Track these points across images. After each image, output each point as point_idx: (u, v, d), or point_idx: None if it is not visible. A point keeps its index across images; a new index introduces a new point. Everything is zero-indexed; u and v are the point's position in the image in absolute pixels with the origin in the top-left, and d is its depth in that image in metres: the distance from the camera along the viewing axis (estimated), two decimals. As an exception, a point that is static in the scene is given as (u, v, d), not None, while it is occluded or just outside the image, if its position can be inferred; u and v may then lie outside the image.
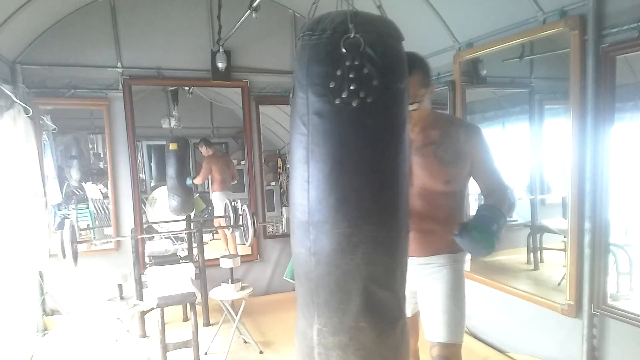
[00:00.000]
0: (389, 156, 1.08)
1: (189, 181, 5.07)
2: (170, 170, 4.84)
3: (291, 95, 1.10)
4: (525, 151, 3.58)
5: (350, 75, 0.99)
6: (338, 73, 0.99)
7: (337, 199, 1.04)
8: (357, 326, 1.09)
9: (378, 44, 1.02)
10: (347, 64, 0.99)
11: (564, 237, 2.56)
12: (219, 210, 5.05)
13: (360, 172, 1.05)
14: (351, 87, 0.99)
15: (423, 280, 1.76)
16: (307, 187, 1.06)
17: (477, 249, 1.58)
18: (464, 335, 1.76)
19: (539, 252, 3.43)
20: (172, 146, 4.81)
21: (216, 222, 5.00)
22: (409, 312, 1.86)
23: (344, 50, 0.99)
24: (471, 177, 1.78)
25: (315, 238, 1.07)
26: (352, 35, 0.99)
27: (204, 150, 5.13)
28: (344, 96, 1.00)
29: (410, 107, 1.57)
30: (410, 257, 1.72)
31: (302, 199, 1.07)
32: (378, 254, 1.08)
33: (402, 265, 1.16)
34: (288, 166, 5.60)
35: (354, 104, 1.00)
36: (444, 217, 1.72)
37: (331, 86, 1.00)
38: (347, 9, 1.02)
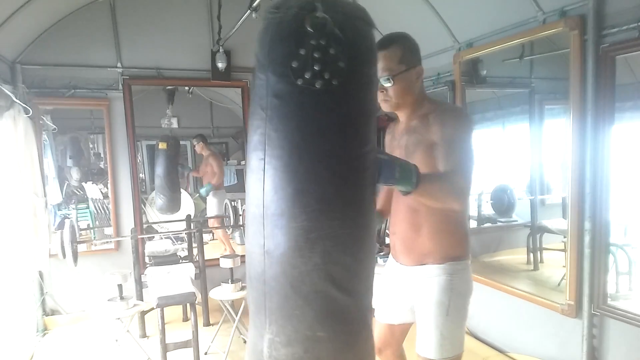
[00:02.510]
0: (355, 145, 0.97)
1: (203, 190, 5.00)
2: (159, 169, 4.78)
3: (251, 79, 1.02)
4: (525, 151, 3.59)
5: (315, 55, 0.90)
6: (301, 52, 0.91)
7: (295, 189, 0.92)
8: (313, 336, 0.96)
9: (346, 25, 0.94)
10: (312, 43, 0.90)
11: (564, 237, 2.56)
12: (211, 210, 5.03)
13: (322, 160, 0.94)
14: (315, 68, 0.90)
15: (417, 291, 1.65)
16: (262, 176, 0.94)
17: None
18: (458, 349, 1.60)
19: (538, 252, 3.43)
20: (162, 145, 4.76)
21: (210, 223, 4.97)
22: (396, 319, 1.80)
23: (309, 29, 0.91)
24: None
25: (269, 233, 0.94)
26: (319, 14, 0.91)
27: (198, 148, 5.08)
28: (306, 77, 0.91)
29: (385, 84, 1.49)
30: (400, 265, 1.69)
31: (257, 190, 0.95)
32: (340, 253, 0.96)
33: (367, 268, 1.03)
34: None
35: (318, 85, 0.91)
36: (431, 223, 1.58)
37: (293, 66, 0.91)
38: None
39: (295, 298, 0.95)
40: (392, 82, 1.50)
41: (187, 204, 5.26)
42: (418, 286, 1.64)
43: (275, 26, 0.95)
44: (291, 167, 0.93)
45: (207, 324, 3.72)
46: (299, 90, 0.92)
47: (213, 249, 4.98)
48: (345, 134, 0.96)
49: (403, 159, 1.28)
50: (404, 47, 1.52)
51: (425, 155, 1.51)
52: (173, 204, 4.86)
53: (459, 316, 1.59)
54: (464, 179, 1.43)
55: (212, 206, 5.01)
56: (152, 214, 5.05)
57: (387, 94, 1.54)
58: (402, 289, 1.74)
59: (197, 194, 5.29)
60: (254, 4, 3.05)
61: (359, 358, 1.03)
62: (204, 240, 3.74)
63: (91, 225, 4.54)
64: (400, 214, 1.65)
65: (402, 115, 1.65)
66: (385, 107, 1.58)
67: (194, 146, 5.13)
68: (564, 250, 2.54)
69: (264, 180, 0.94)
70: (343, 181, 0.96)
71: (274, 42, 0.94)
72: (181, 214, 4.80)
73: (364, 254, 1.01)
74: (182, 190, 5.10)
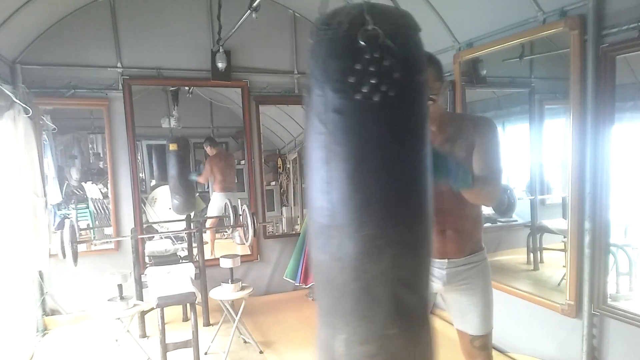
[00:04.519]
0: (414, 152, 1.02)
1: (192, 176, 5.10)
2: (172, 170, 4.85)
3: (306, 94, 1.04)
4: (525, 151, 3.59)
5: (370, 69, 0.93)
6: (357, 67, 0.93)
7: (362, 199, 0.97)
8: (386, 334, 1.03)
9: (397, 35, 0.95)
10: (367, 57, 0.93)
11: (564, 237, 2.56)
12: (211, 211, 5.06)
13: (385, 170, 0.98)
14: (372, 81, 0.93)
15: (462, 281, 1.80)
16: (328, 188, 0.99)
17: None
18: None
19: (538, 252, 3.43)
20: (172, 146, 4.83)
21: (209, 224, 4.99)
22: None
23: (362, 43, 0.92)
24: None
25: (339, 242, 1.00)
26: (370, 27, 0.93)
27: (208, 150, 5.14)
28: (364, 91, 0.93)
29: (428, 102, 1.60)
30: (448, 260, 1.77)
31: (323, 202, 1.00)
32: (405, 256, 1.02)
33: (427, 267, 1.11)
34: (288, 166, 5.61)
35: (376, 98, 0.94)
36: (473, 215, 1.78)
37: (351, 81, 0.94)
38: (361, 1, 0.96)
39: (367, 301, 1.01)
40: (434, 100, 1.62)
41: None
42: (469, 274, 1.81)
43: (328, 43, 0.97)
44: (356, 179, 0.97)
45: (207, 324, 3.72)
46: (358, 105, 0.95)
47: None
48: (405, 142, 1.00)
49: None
50: (435, 63, 1.66)
51: (467, 162, 1.68)
52: (189, 204, 4.92)
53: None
54: (501, 183, 1.73)
55: (214, 206, 5.05)
56: (152, 213, 5.06)
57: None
58: (440, 283, 1.82)
59: (197, 194, 5.31)
60: (254, 4, 3.05)
61: (425, 350, 1.12)
62: (204, 240, 3.73)
63: (91, 225, 4.54)
64: (450, 211, 1.73)
65: (433, 124, 1.71)
66: None
67: (205, 148, 5.19)
68: (564, 250, 2.54)
69: (330, 193, 0.98)
70: (405, 187, 1.01)
71: (330, 58, 0.97)
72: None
73: (425, 255, 1.09)
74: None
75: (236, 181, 5.27)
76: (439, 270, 1.78)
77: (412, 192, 1.03)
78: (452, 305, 1.88)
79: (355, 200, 0.97)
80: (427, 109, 1.07)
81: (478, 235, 1.82)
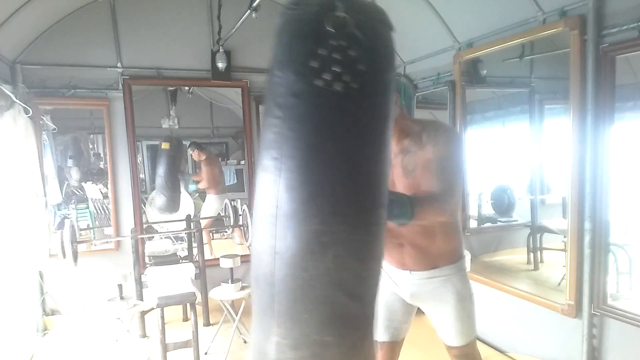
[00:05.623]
0: (371, 151, 0.96)
1: (192, 187, 5.06)
2: (160, 169, 4.80)
3: (268, 76, 0.99)
4: (526, 151, 3.59)
5: (335, 56, 0.88)
6: (321, 52, 0.88)
7: (309, 191, 0.90)
8: (321, 340, 0.95)
9: (367, 27, 0.91)
10: (332, 43, 0.88)
11: (564, 237, 2.56)
12: (206, 211, 5.06)
13: (337, 163, 0.92)
14: (334, 69, 0.88)
15: (430, 294, 1.76)
16: (276, 175, 0.92)
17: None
18: (476, 330, 1.84)
19: (539, 252, 3.43)
20: (165, 145, 4.79)
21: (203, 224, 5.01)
22: (389, 336, 1.85)
23: (329, 28, 0.88)
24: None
25: (281, 234, 0.92)
26: (339, 13, 0.89)
27: (195, 155, 5.10)
28: (325, 78, 0.88)
29: None
30: (412, 272, 1.72)
31: (270, 189, 0.93)
32: (351, 259, 0.94)
33: (374, 275, 1.02)
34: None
35: (337, 87, 0.89)
36: (437, 229, 1.67)
37: (312, 65, 0.88)
38: None
39: (305, 301, 0.93)
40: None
41: (187, 204, 5.26)
42: (438, 289, 1.74)
43: (295, 23, 0.93)
44: (306, 169, 0.91)
45: (207, 324, 3.72)
46: (317, 91, 0.90)
47: (212, 249, 4.98)
48: (362, 139, 0.94)
49: (396, 191, 1.41)
50: None
51: (424, 173, 1.57)
52: (173, 204, 4.88)
53: (473, 304, 1.81)
54: (456, 197, 1.55)
55: (210, 208, 5.06)
56: (152, 213, 5.05)
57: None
58: (412, 296, 1.79)
59: (197, 194, 5.30)
60: (254, 4, 3.05)
61: None
62: (203, 241, 3.73)
63: (91, 225, 4.53)
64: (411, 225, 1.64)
65: (393, 135, 1.58)
66: None
67: (191, 154, 5.16)
68: (564, 250, 2.54)
69: (278, 181, 0.91)
70: (358, 186, 0.94)
71: (294, 39, 0.92)
72: (181, 214, 4.81)
73: (373, 261, 1.00)
74: (181, 190, 5.12)
75: (236, 182, 5.28)
76: (402, 280, 1.76)
77: (364, 191, 0.96)
78: (428, 314, 1.85)
79: (302, 191, 0.90)
80: (392, 109, 1.01)
81: (446, 248, 1.72)
